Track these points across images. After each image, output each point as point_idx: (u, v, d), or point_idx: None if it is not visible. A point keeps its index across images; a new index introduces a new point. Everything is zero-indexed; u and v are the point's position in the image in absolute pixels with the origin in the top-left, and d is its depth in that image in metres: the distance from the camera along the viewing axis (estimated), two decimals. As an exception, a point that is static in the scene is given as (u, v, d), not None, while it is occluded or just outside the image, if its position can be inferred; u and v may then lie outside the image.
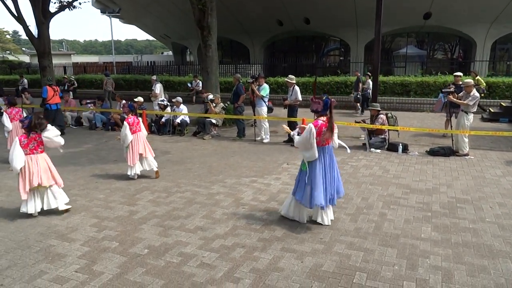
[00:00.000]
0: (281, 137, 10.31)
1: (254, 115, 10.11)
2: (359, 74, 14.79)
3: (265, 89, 10.01)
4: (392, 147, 8.67)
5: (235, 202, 5.58)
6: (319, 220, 4.72)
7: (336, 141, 4.74)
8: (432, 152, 8.26)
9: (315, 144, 4.42)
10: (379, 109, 9.15)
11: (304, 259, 3.91)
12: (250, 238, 4.39)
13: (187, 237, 4.45)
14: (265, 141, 10.04)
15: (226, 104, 11.23)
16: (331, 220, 4.79)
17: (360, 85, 14.62)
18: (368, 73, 14.93)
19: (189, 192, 6.06)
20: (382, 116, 8.96)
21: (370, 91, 14.04)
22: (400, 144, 8.53)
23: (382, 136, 8.87)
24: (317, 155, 4.46)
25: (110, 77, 18.10)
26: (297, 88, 9.51)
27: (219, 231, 4.61)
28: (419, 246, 4.14)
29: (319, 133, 4.45)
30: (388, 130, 8.95)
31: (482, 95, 13.14)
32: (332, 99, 4.65)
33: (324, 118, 4.56)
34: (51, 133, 5.13)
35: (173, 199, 5.76)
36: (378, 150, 8.66)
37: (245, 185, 6.35)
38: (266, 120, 10.12)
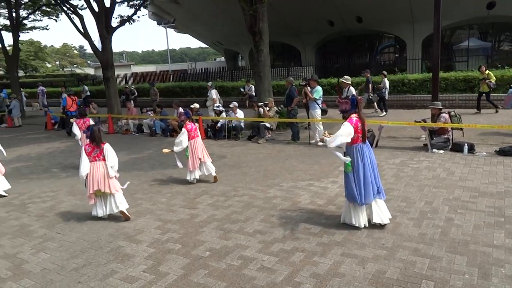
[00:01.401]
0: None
1: (308, 117, 10.04)
2: (368, 75, 14.22)
3: (318, 92, 9.91)
4: (457, 147, 8.19)
5: (293, 206, 5.58)
6: (353, 221, 4.65)
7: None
8: (502, 152, 7.69)
9: (346, 138, 4.41)
10: (441, 107, 8.70)
11: (366, 265, 3.81)
12: (309, 243, 4.36)
13: (247, 241, 4.52)
14: (320, 143, 9.92)
15: (280, 108, 11.27)
16: (389, 218, 4.65)
17: (370, 86, 14.01)
18: (384, 72, 14.41)
19: (246, 196, 6.16)
20: (445, 115, 8.50)
21: (387, 91, 13.62)
22: (466, 144, 8.05)
23: (445, 136, 8.41)
24: (339, 142, 4.41)
25: (155, 87, 18.40)
26: (352, 88, 9.33)
27: (278, 235, 4.63)
28: (491, 254, 3.88)
29: (355, 129, 4.46)
30: (452, 129, 8.48)
31: (490, 90, 12.47)
32: (359, 97, 4.65)
33: (356, 115, 4.56)
34: (110, 149, 5.41)
35: (231, 203, 5.88)
36: (441, 151, 8.22)
37: (301, 189, 6.33)
38: (321, 122, 10.02)
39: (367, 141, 4.64)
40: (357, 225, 4.63)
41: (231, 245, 4.42)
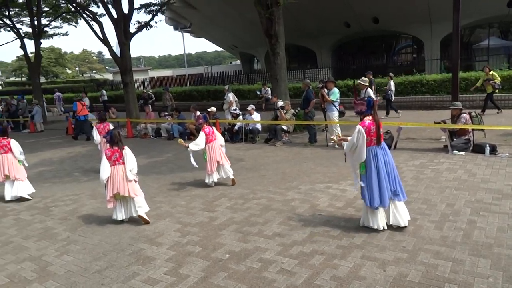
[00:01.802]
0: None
1: (325, 120, 10.01)
2: (371, 77, 14.04)
3: (335, 94, 9.88)
4: (478, 149, 8.03)
5: (311, 208, 5.57)
6: (370, 224, 4.64)
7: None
8: (526, 153, 7.51)
9: (365, 145, 4.44)
10: (461, 107, 8.55)
11: (387, 268, 3.78)
12: (328, 245, 4.35)
13: (266, 243, 4.53)
14: (336, 146, 9.87)
15: (297, 110, 11.26)
16: (408, 220, 4.60)
17: (373, 87, 13.66)
18: (390, 74, 14.40)
19: (264, 198, 6.17)
20: (465, 116, 8.35)
21: (392, 93, 13.53)
22: (487, 145, 7.88)
23: (466, 137, 8.26)
24: (364, 156, 4.47)
25: (169, 91, 18.44)
26: (369, 90, 9.26)
27: (297, 237, 4.63)
28: (517, 257, 3.79)
29: (368, 132, 4.46)
30: (473, 130, 8.32)
31: (497, 91, 12.30)
32: (376, 99, 4.62)
33: (370, 118, 4.54)
34: (129, 153, 5.50)
35: (249, 205, 5.91)
36: (462, 152, 8.07)
37: (320, 191, 6.31)
38: (338, 124, 9.97)
39: (383, 143, 4.59)
40: (375, 228, 4.60)
41: (251, 248, 4.45)
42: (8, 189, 7.02)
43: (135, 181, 5.49)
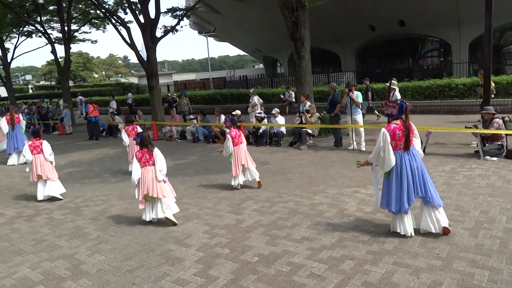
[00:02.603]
0: (381, 146, 9.89)
1: (351, 123, 9.89)
2: (368, 83, 14.25)
3: (358, 97, 9.86)
4: (512, 155, 7.76)
5: (339, 213, 5.50)
6: (397, 229, 4.56)
7: (417, 148, 4.56)
8: None
9: (391, 149, 4.38)
10: (494, 112, 8.29)
11: (420, 275, 3.68)
12: (358, 250, 4.28)
13: (294, 247, 4.50)
14: (362, 149, 9.76)
15: (322, 114, 11.17)
16: (442, 227, 4.45)
17: (370, 94, 14.13)
18: (394, 80, 14.04)
19: (291, 202, 6.14)
20: (498, 120, 8.08)
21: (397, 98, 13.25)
22: (522, 150, 7.60)
23: (499, 143, 7.99)
24: (393, 161, 4.38)
25: (186, 95, 18.50)
26: (397, 93, 9.12)
27: (326, 242, 4.58)
28: (559, 267, 3.63)
29: (393, 136, 4.39)
30: (506, 135, 8.05)
31: (492, 96, 11.71)
32: (408, 103, 4.51)
33: (398, 122, 4.45)
34: (159, 154, 5.58)
35: (276, 209, 5.89)
36: (494, 158, 7.81)
37: (347, 196, 6.23)
38: (363, 128, 9.87)
39: (411, 148, 4.47)
40: (402, 233, 4.50)
41: (279, 251, 4.42)
42: (41, 189, 7.24)
43: (164, 182, 5.56)
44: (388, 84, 9.41)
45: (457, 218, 4.96)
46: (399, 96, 9.05)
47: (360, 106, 9.83)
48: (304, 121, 10.92)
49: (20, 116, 12.26)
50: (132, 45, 16.70)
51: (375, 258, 4.07)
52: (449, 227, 4.47)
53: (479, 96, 12.17)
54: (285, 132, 11.77)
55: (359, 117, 9.84)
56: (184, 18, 18.27)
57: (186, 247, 4.76)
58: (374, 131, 11.39)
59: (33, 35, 27.58)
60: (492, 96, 12.07)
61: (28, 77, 75.17)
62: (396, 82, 9.21)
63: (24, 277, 4.32)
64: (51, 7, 24.15)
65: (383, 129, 4.47)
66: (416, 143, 4.52)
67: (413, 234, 4.49)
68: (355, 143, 9.89)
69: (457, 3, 20.67)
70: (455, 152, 8.72)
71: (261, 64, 46.85)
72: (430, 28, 23.67)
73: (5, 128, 11.71)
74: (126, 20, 18.73)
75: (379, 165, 4.55)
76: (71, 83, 48.29)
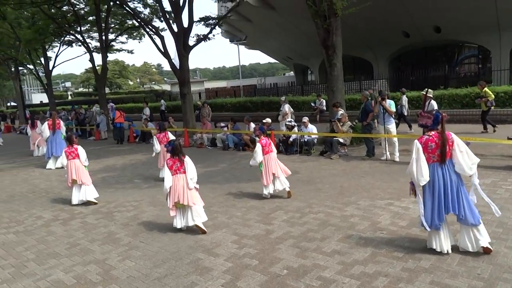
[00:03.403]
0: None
1: (384, 132, 9.64)
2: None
3: (391, 105, 9.63)
4: (560, 168, 7.29)
5: (372, 226, 5.32)
6: (433, 246, 4.34)
7: (461, 162, 4.17)
8: None
9: (424, 161, 4.18)
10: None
11: (460, 296, 3.47)
12: (393, 267, 4.10)
13: (325, 261, 4.38)
14: (396, 159, 9.48)
15: (354, 123, 10.95)
16: (480, 246, 4.19)
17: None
18: (403, 89, 14.34)
19: (322, 213, 6.00)
20: (544, 132, 7.63)
21: (404, 108, 13.47)
22: None
23: (545, 155, 7.54)
24: (426, 174, 4.17)
25: (208, 105, 18.47)
26: (433, 102, 8.81)
27: (358, 256, 4.42)
28: None
29: (425, 148, 4.20)
30: (553, 147, 7.58)
31: (492, 107, 11.72)
32: (444, 114, 4.28)
33: (432, 133, 4.24)
34: (190, 162, 5.59)
35: (306, 220, 5.77)
36: (540, 172, 7.37)
37: (380, 208, 6.03)
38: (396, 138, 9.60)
39: (448, 161, 4.23)
40: (438, 250, 4.28)
41: (309, 265, 4.31)
42: (76, 193, 7.45)
43: (196, 189, 5.57)
44: (423, 93, 9.12)
45: (500, 236, 4.67)
46: (435, 106, 8.73)
47: (393, 116, 9.59)
48: (335, 130, 10.73)
49: (61, 122, 12.74)
50: (165, 54, 17.06)
51: (411, 276, 3.89)
52: (491, 247, 4.21)
53: (484, 106, 12.00)
54: (316, 141, 11.61)
55: (392, 126, 9.59)
56: (216, 27, 18.51)
57: (214, 256, 4.73)
58: (409, 141, 11.04)
59: (73, 44, 28.81)
60: (493, 107, 12.06)
61: (68, 84, 78.48)
62: (431, 91, 8.91)
63: (57, 280, 4.41)
64: (91, 18, 25.17)
65: (416, 141, 4.30)
66: (459, 156, 4.17)
67: (450, 251, 4.27)
68: (388, 153, 9.63)
69: (497, 8, 19.87)
70: (496, 164, 8.30)
71: (292, 72, 46.78)
72: (468, 34, 22.87)
73: (46, 133, 12.20)
74: (160, 28, 19.20)
75: (414, 179, 4.34)
76: (107, 90, 49.98)
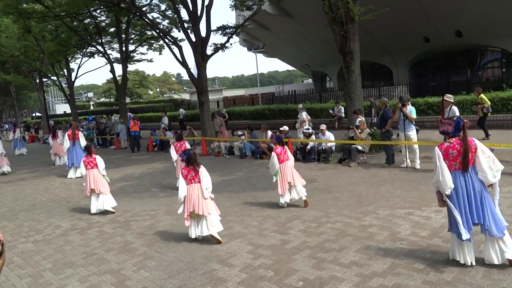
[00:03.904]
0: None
1: (405, 139, 9.42)
2: (372, 100, 14.41)
3: (412, 112, 9.43)
4: None
5: (391, 236, 5.15)
6: (456, 257, 4.16)
7: (486, 169, 3.99)
8: None
9: (446, 168, 4.02)
10: None
11: (485, 312, 3.29)
12: (413, 280, 3.94)
13: (342, 272, 4.25)
14: (417, 167, 9.24)
15: (373, 130, 10.76)
16: (506, 259, 3.98)
17: (373, 110, 14.22)
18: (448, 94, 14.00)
19: (339, 223, 5.86)
20: None
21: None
22: None
23: None
24: (449, 182, 4.01)
25: (221, 115, 18.26)
26: (455, 108, 8.56)
27: (377, 268, 4.28)
28: None
29: (445, 156, 4.05)
30: None
31: (489, 114, 11.62)
32: (465, 120, 4.13)
33: (453, 140, 4.08)
34: (205, 172, 5.55)
35: (323, 229, 5.64)
36: None
37: (400, 218, 5.84)
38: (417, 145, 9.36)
39: (470, 169, 4.05)
40: (462, 262, 4.09)
41: (326, 276, 4.19)
42: (94, 202, 7.53)
43: (212, 199, 5.54)
44: (444, 98, 8.89)
45: (527, 247, 4.43)
46: (457, 112, 8.45)
47: (414, 122, 9.37)
48: (354, 137, 10.56)
49: (80, 133, 12.94)
50: (183, 63, 17.25)
51: (432, 290, 3.72)
52: None
53: (480, 112, 11.92)
54: (334, 148, 11.45)
55: (412, 133, 9.36)
56: (234, 36, 18.62)
57: (229, 267, 4.66)
58: (430, 148, 10.76)
59: (95, 56, 29.55)
60: (489, 114, 11.98)
61: (90, 94, 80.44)
62: (452, 96, 8.67)
63: (73, 291, 4.43)
64: (111, 29, 25.77)
65: (436, 148, 4.17)
66: (484, 164, 3.99)
67: (474, 263, 4.07)
68: (408, 160, 9.39)
69: (521, 10, 19.35)
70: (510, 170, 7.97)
71: (310, 79, 46.62)
72: (491, 38, 22.28)
73: (67, 144, 12.43)
74: (178, 39, 19.47)
75: (439, 188, 4.17)
76: (127, 100, 50.91)
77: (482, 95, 12.04)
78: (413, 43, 24.75)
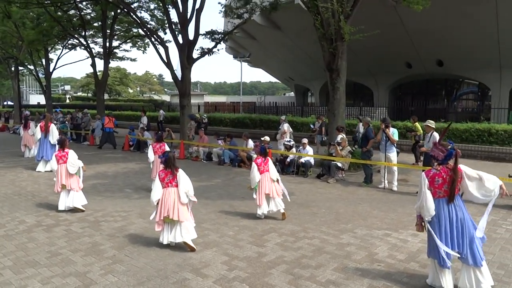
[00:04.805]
0: (413, 187, 9.40)
1: (384, 160, 9.49)
2: (324, 119, 15.28)
3: (394, 133, 9.53)
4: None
5: (369, 257, 5.09)
6: (437, 283, 4.12)
7: (474, 192, 4.06)
8: None
9: (429, 195, 4.03)
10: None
11: None
12: (390, 303, 3.87)
13: (319, 291, 4.14)
14: (394, 188, 9.31)
15: (354, 148, 10.81)
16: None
17: (324, 129, 14.96)
18: (359, 117, 15.74)
19: (317, 239, 5.77)
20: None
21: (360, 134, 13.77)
22: None
23: (546, 196, 7.38)
24: (432, 208, 4.02)
25: (194, 119, 17.67)
26: (436, 134, 8.68)
27: (354, 289, 4.19)
28: None
29: (431, 182, 4.05)
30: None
31: (420, 141, 11.92)
32: (458, 150, 4.12)
33: (440, 168, 4.10)
34: (183, 175, 5.36)
35: (301, 245, 5.54)
36: (541, 212, 7.21)
37: (378, 239, 5.81)
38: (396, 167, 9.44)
39: (457, 197, 4.07)
40: None
41: (302, 294, 4.07)
42: (63, 199, 7.17)
43: (194, 202, 5.39)
44: (426, 124, 9.03)
45: (502, 279, 4.47)
46: (437, 137, 8.59)
47: (395, 144, 9.48)
48: (334, 154, 10.57)
49: (53, 125, 12.38)
50: (168, 64, 16.99)
51: (410, 315, 3.66)
52: None
53: (413, 139, 12.81)
54: (313, 163, 11.44)
55: (393, 155, 9.45)
56: (221, 42, 18.52)
57: (202, 277, 4.47)
58: (408, 171, 10.93)
59: (76, 48, 28.82)
60: (421, 142, 12.32)
61: (67, 87, 78.27)
62: (433, 122, 8.85)
63: (33, 292, 4.13)
64: (96, 23, 25.22)
65: (423, 174, 4.18)
66: (470, 187, 4.02)
67: (452, 291, 4.05)
68: (386, 181, 9.46)
69: (500, 47, 20.14)
70: (495, 202, 8.11)
71: (292, 92, 46.99)
72: (470, 71, 23.08)
73: (38, 135, 11.93)
74: (165, 39, 19.20)
75: (421, 213, 4.16)
76: (106, 96, 49.80)
77: (417, 124, 12.71)
78: (396, 67, 25.35)
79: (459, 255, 4.00)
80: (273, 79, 63.45)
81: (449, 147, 4.12)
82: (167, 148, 8.48)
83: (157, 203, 5.33)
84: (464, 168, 4.09)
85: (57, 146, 9.07)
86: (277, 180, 6.89)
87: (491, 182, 3.99)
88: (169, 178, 5.34)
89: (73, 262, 4.89)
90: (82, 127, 20.84)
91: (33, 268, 4.71)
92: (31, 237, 5.81)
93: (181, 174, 5.35)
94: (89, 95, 64.72)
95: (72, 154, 7.33)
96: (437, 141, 4.39)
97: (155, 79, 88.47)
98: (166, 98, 59.00)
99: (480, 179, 4.01)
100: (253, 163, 6.85)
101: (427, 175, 4.12)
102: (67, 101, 60.80)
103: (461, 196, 4.20)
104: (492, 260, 4.98)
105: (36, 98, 61.24)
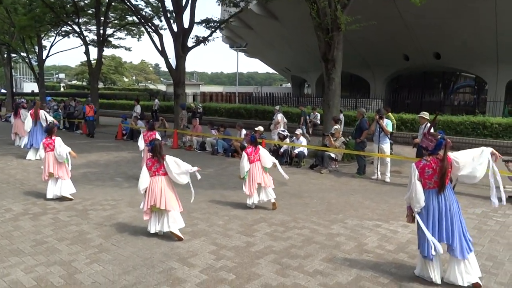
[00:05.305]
0: (406, 178, 9.36)
1: (378, 151, 9.45)
2: (303, 109, 15.82)
3: (388, 125, 9.48)
4: (552, 203, 7.12)
5: (358, 247, 5.05)
6: (425, 274, 4.11)
7: (467, 174, 4.07)
8: None
9: (419, 186, 3.99)
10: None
11: (448, 333, 3.21)
12: (378, 294, 3.83)
13: (306, 281, 4.10)
14: (387, 180, 9.28)
15: (348, 139, 10.75)
16: (470, 282, 3.95)
17: (302, 119, 15.57)
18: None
19: (307, 229, 5.73)
20: (538, 165, 7.49)
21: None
22: None
23: (538, 189, 7.38)
24: (422, 199, 3.99)
25: (185, 108, 17.50)
26: (429, 126, 8.62)
27: (341, 279, 4.15)
28: None
29: (421, 173, 4.01)
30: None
31: (394, 131, 11.64)
32: (448, 140, 4.09)
33: (430, 158, 4.04)
34: (169, 160, 5.26)
35: (290, 234, 5.49)
36: (532, 205, 7.19)
37: (368, 229, 5.77)
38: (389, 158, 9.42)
39: (447, 188, 4.02)
40: (432, 280, 4.02)
41: (289, 284, 4.02)
42: (51, 187, 7.06)
43: (199, 169, 5.37)
44: (420, 115, 8.98)
45: (490, 270, 4.44)
46: (431, 129, 8.56)
47: (389, 136, 9.43)
48: (328, 144, 10.51)
49: (42, 112, 12.18)
50: (163, 52, 16.81)
51: (396, 306, 3.62)
52: (480, 282, 3.97)
53: None
54: (306, 153, 11.38)
55: (386, 146, 9.41)
56: (217, 31, 18.32)
57: (189, 266, 4.41)
58: (401, 162, 10.89)
59: (70, 35, 28.35)
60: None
61: (62, 75, 77.52)
62: (427, 114, 8.81)
63: (15, 281, 4.06)
64: (90, 10, 24.79)
65: (413, 165, 4.12)
66: (462, 170, 4.02)
67: (438, 282, 4.01)
68: (379, 172, 9.43)
69: (497, 41, 20.06)
70: (487, 194, 8.07)
71: (289, 83, 46.82)
72: (467, 64, 23.04)
73: (29, 124, 11.76)
74: (159, 27, 18.97)
75: (410, 204, 4.11)
76: (101, 85, 49.37)
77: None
78: (393, 59, 25.25)
79: (443, 253, 3.96)
80: (270, 70, 63.12)
81: (439, 136, 4.05)
82: (158, 137, 8.36)
83: (145, 192, 5.25)
84: (454, 155, 4.03)
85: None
86: (275, 165, 6.83)
87: (484, 155, 4.05)
88: (156, 166, 5.26)
89: (58, 251, 4.81)
90: (76, 115, 20.63)
91: (17, 257, 4.62)
92: (17, 226, 5.71)
93: (168, 161, 5.24)
94: (84, 83, 64.09)
95: (58, 141, 7.18)
96: (426, 132, 4.31)
97: (151, 68, 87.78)
98: (162, 87, 58.56)
99: (472, 159, 4.00)
100: (243, 153, 6.78)
101: (417, 166, 4.07)
102: (62, 89, 60.21)
103: (453, 188, 4.15)
104: (481, 252, 4.96)
105: (30, 86, 60.61)
